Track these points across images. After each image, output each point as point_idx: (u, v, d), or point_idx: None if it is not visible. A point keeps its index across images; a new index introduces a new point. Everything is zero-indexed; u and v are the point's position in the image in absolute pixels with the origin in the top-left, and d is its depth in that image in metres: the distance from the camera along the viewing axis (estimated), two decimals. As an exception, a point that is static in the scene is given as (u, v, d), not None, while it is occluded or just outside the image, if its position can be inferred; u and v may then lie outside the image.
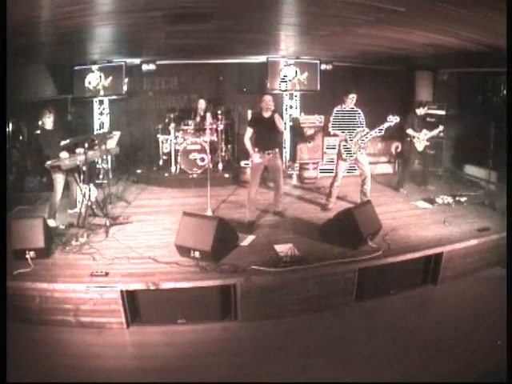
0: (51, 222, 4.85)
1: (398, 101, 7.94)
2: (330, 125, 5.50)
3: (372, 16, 4.09)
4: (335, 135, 5.55)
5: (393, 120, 5.15)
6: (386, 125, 5.19)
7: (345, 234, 4.25)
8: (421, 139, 6.38)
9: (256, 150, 4.86)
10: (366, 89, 7.78)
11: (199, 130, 7.10)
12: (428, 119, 7.06)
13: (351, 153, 5.30)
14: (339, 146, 5.40)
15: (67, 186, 5.21)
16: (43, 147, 5.01)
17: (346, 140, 5.30)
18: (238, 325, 3.63)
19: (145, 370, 3.05)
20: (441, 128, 6.55)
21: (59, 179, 4.96)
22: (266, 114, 4.88)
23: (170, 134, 7.09)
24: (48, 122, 5.01)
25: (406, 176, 6.63)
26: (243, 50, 7.17)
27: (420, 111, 6.43)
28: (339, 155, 5.41)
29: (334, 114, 5.40)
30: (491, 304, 3.67)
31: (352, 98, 5.31)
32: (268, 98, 4.86)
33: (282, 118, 5.10)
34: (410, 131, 6.37)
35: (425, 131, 6.39)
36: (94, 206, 5.13)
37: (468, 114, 7.33)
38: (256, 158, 4.84)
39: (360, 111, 5.38)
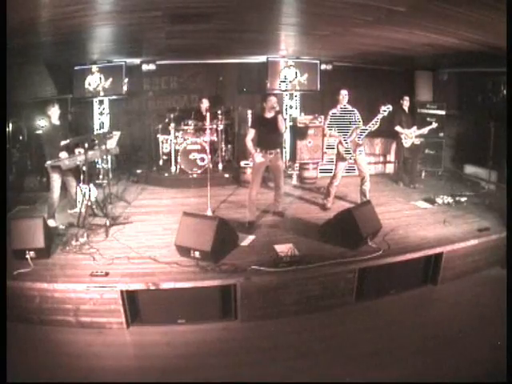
0: (51, 222, 4.85)
1: (398, 101, 7.94)
2: (325, 127, 5.51)
3: (372, 16, 4.09)
4: (332, 136, 5.57)
5: (385, 110, 5.06)
6: (380, 116, 5.09)
7: (345, 234, 4.25)
8: (409, 136, 6.46)
9: (258, 150, 4.85)
10: (365, 89, 7.82)
11: (199, 129, 7.10)
12: (428, 119, 7.07)
13: (350, 152, 5.29)
14: (337, 146, 5.41)
15: (65, 186, 5.20)
16: (44, 147, 5.01)
17: (341, 142, 5.30)
18: (238, 325, 3.63)
19: (145, 370, 3.05)
20: (434, 125, 6.51)
21: (56, 178, 4.96)
22: (269, 115, 4.86)
23: (170, 134, 7.09)
24: (54, 116, 5.00)
25: (399, 171, 6.91)
26: (243, 50, 7.17)
27: (405, 104, 6.51)
28: (338, 155, 5.42)
29: (329, 117, 5.40)
30: (491, 304, 3.68)
31: (344, 95, 5.31)
32: (273, 99, 4.82)
33: (283, 116, 5.09)
34: (397, 128, 6.48)
35: (415, 128, 6.46)
36: (93, 206, 5.13)
37: (468, 114, 7.34)
38: (258, 157, 4.83)
39: (355, 110, 5.37)
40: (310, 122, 7.21)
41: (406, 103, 6.58)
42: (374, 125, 5.18)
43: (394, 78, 8.36)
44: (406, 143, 6.53)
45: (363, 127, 5.24)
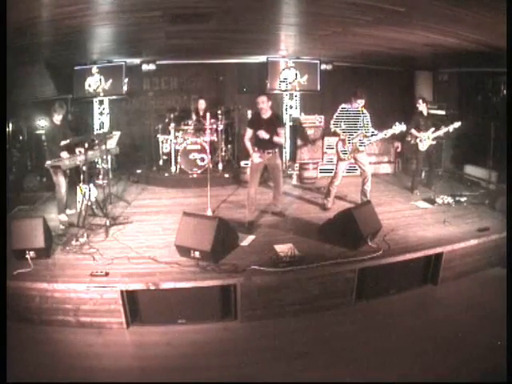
0: (63, 217, 4.87)
1: (398, 101, 7.95)
2: (332, 122, 5.35)
3: (372, 16, 4.09)
4: (335, 134, 5.45)
5: (398, 128, 5.07)
6: (391, 131, 5.11)
7: (345, 234, 4.24)
8: (424, 139, 6.13)
9: (256, 149, 4.85)
10: (365, 89, 7.81)
11: (199, 130, 7.11)
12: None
13: (346, 153, 5.27)
14: (336, 145, 5.38)
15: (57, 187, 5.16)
16: (46, 146, 5.00)
17: (343, 140, 5.26)
18: (237, 325, 3.63)
19: (145, 370, 3.05)
20: (456, 124, 6.01)
21: (59, 175, 4.94)
22: (265, 115, 4.86)
23: (169, 134, 7.10)
24: (58, 116, 4.98)
25: (415, 176, 6.46)
26: (243, 50, 7.18)
27: (421, 107, 6.17)
28: (337, 154, 5.40)
29: (338, 111, 5.29)
30: (491, 304, 3.68)
31: (360, 103, 5.20)
32: (261, 100, 4.75)
33: (282, 119, 5.07)
34: (412, 131, 6.17)
35: (432, 129, 6.13)
36: (94, 206, 5.13)
37: (468, 114, 7.34)
38: (256, 157, 4.84)
39: (366, 113, 5.27)
40: (310, 122, 7.21)
41: (422, 106, 6.20)
42: (381, 137, 5.16)
43: (394, 77, 8.37)
44: (423, 146, 6.19)
45: (369, 135, 5.19)
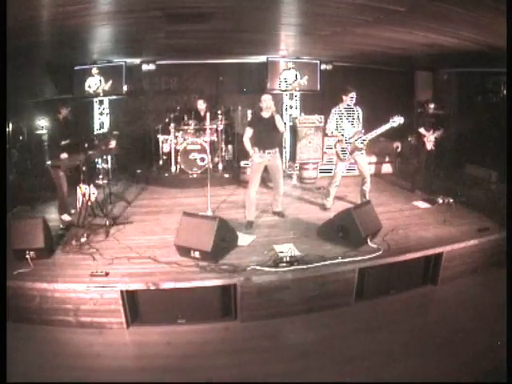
0: (65, 217, 4.85)
1: (398, 101, 7.93)
2: (327, 126, 5.44)
3: (372, 16, 4.09)
4: (333, 136, 5.49)
5: (396, 121, 5.04)
6: (388, 126, 5.08)
7: (345, 234, 4.25)
8: (431, 138, 6.23)
9: (256, 149, 4.85)
10: (365, 89, 7.82)
11: (199, 129, 7.11)
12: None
13: (346, 153, 5.28)
14: (335, 147, 5.39)
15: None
16: (47, 146, 4.99)
17: (341, 141, 5.27)
18: (237, 325, 3.63)
19: (145, 370, 3.05)
20: (441, 131, 6.27)
21: (59, 175, 4.93)
22: (266, 114, 4.86)
23: (169, 134, 7.10)
24: (63, 116, 4.96)
25: (415, 176, 6.51)
26: (243, 50, 7.17)
27: (430, 109, 6.30)
28: (337, 155, 5.41)
29: (330, 116, 5.34)
30: (491, 304, 3.68)
31: (352, 97, 5.22)
32: (268, 98, 4.82)
33: (282, 118, 5.07)
34: (421, 130, 6.23)
35: (432, 131, 6.26)
36: (94, 206, 5.13)
37: (468, 114, 7.34)
38: (256, 157, 4.83)
39: (359, 109, 5.31)
40: (310, 122, 7.21)
41: (431, 108, 6.34)
42: (380, 132, 5.14)
43: (394, 77, 8.36)
44: (429, 146, 6.27)
45: (368, 133, 5.18)
